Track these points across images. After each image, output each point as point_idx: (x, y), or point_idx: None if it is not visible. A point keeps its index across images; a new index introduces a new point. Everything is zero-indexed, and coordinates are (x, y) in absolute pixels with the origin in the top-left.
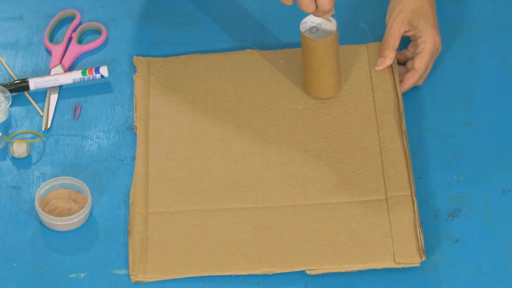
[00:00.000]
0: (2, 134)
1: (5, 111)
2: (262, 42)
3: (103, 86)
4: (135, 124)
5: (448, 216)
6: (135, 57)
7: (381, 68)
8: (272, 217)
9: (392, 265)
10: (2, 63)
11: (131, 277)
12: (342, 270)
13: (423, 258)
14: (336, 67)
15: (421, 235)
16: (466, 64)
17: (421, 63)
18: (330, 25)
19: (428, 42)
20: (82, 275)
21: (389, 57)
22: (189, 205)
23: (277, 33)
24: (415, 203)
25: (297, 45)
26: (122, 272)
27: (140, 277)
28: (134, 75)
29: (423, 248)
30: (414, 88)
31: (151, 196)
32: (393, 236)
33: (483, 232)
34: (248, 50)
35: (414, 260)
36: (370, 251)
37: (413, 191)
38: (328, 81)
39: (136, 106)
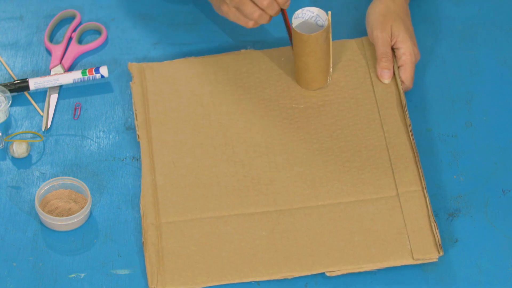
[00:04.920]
0: (2, 134)
1: (5, 111)
2: (262, 42)
3: (103, 86)
4: (137, 133)
5: (448, 216)
6: (129, 63)
7: (390, 80)
8: (286, 220)
9: (411, 262)
10: (2, 63)
11: None
12: (361, 270)
13: (441, 253)
14: (325, 60)
15: (436, 230)
16: (466, 64)
17: (406, 75)
18: (322, 18)
19: (408, 54)
20: (82, 275)
21: (392, 67)
22: (201, 213)
23: (277, 32)
24: (427, 198)
25: None
26: (122, 272)
27: None
28: (130, 82)
29: (440, 243)
30: (414, 88)
31: (161, 206)
32: (409, 233)
33: (483, 232)
34: (243, 50)
35: (432, 255)
36: (388, 249)
37: (423, 185)
38: (314, 75)
39: (136, 114)
